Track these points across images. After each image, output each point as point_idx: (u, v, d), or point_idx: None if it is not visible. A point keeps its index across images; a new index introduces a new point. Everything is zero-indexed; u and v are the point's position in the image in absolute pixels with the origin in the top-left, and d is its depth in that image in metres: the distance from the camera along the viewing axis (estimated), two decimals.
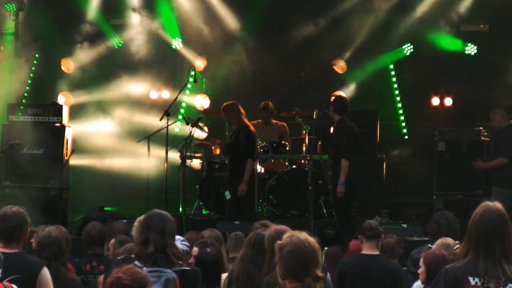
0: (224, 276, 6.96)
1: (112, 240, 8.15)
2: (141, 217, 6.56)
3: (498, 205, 5.17)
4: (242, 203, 12.87)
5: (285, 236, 4.76)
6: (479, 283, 5.08)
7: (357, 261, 8.21)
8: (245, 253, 6.53)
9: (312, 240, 4.67)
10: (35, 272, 5.83)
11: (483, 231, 5.11)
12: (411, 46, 16.22)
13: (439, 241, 7.33)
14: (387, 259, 8.32)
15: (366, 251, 8.21)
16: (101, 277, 7.45)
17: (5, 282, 5.19)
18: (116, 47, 16.63)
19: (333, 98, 12.77)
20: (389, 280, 7.87)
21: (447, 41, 16.10)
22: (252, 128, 13.02)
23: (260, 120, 14.96)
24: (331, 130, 12.97)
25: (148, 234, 6.02)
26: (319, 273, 4.56)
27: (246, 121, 13.00)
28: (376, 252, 8.15)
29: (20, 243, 5.93)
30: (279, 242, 4.75)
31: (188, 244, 6.62)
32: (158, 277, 5.85)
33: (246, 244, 6.67)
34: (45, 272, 5.90)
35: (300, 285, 4.60)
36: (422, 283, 6.69)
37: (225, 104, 13.18)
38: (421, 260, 6.68)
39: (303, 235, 4.68)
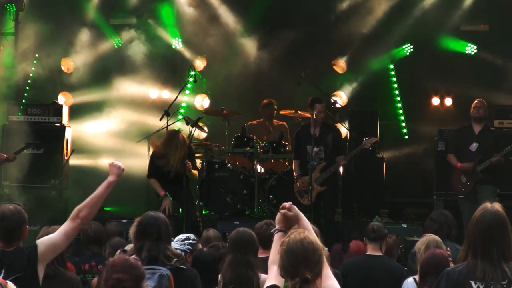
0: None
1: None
2: (138, 219, 6.57)
3: (496, 206, 5.18)
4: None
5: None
6: (481, 287, 5.07)
7: (360, 262, 8.26)
8: (234, 258, 6.51)
9: (310, 240, 4.60)
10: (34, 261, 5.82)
11: (480, 233, 5.11)
12: (411, 46, 16.20)
13: (430, 238, 7.26)
14: (390, 259, 8.34)
15: (369, 252, 8.26)
16: (95, 280, 7.41)
17: (0, 280, 5.18)
18: (115, 47, 16.63)
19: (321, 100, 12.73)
20: (391, 281, 7.87)
21: (447, 41, 16.09)
22: None
23: (261, 119, 14.96)
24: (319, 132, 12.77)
25: (143, 242, 6.24)
26: (308, 274, 4.52)
27: None
28: (379, 253, 8.17)
29: (19, 242, 5.94)
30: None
31: (193, 242, 6.62)
32: (152, 274, 5.97)
33: (232, 247, 6.62)
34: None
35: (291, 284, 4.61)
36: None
37: None
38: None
39: (302, 235, 4.64)
